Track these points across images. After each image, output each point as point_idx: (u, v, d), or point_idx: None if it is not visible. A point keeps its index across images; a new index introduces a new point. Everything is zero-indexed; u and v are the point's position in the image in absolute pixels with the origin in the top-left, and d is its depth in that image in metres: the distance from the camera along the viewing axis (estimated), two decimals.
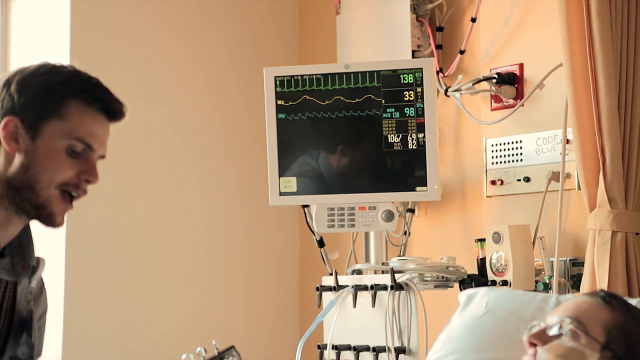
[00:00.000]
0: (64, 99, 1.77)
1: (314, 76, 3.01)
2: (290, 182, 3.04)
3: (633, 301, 1.97)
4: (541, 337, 1.85)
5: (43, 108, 1.76)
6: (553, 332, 1.85)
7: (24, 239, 1.84)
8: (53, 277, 3.18)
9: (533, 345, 1.86)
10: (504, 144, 2.94)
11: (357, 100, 2.98)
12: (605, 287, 2.36)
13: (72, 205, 1.78)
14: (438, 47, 3.23)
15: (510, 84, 2.93)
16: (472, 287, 2.65)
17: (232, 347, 2.17)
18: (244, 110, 3.71)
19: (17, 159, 1.75)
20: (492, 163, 2.97)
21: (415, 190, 2.95)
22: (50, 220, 1.76)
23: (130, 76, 3.40)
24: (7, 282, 1.82)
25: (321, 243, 3.17)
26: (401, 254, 3.19)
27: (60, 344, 3.26)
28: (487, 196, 2.99)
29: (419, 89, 2.91)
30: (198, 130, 3.63)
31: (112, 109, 1.82)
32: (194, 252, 3.60)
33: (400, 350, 2.79)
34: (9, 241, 1.80)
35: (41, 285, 1.93)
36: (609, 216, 2.42)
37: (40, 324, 1.92)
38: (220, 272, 3.66)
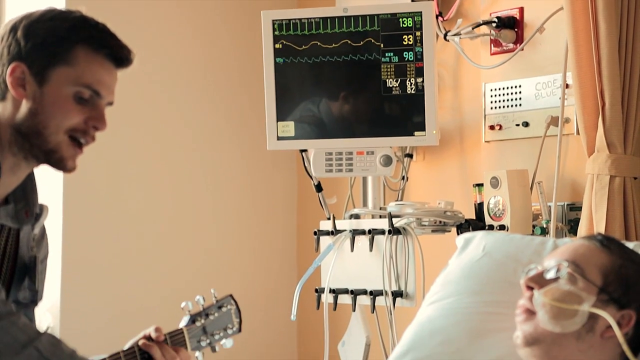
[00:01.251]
0: (71, 45, 1.76)
1: (313, 20, 2.98)
2: (288, 127, 3.03)
3: (630, 245, 1.98)
4: (538, 281, 1.86)
5: (50, 54, 1.75)
6: (550, 275, 1.86)
7: (28, 186, 1.85)
8: (51, 225, 3.18)
9: (530, 288, 1.87)
10: (503, 88, 2.93)
11: (355, 44, 2.96)
12: (602, 232, 2.36)
13: (82, 150, 1.78)
14: None
15: (510, 28, 2.90)
16: (469, 231, 2.66)
17: (230, 295, 2.19)
18: (242, 54, 3.69)
19: (25, 105, 1.74)
20: (491, 108, 2.96)
21: (414, 135, 2.94)
22: (62, 165, 1.77)
23: (123, 25, 3.37)
24: (10, 229, 1.82)
25: (319, 187, 3.17)
26: (399, 199, 3.19)
27: (59, 291, 3.27)
28: (485, 141, 2.99)
29: (418, 33, 2.88)
30: (195, 76, 3.61)
31: (119, 56, 1.81)
32: (191, 197, 3.60)
33: (397, 294, 2.81)
34: (14, 188, 1.80)
35: (43, 232, 1.94)
36: (608, 161, 2.42)
37: (41, 268, 1.93)
38: (219, 217, 3.67)
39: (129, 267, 3.43)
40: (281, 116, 3.03)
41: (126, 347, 1.98)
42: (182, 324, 2.11)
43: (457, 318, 2.05)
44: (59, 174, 3.15)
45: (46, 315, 3.21)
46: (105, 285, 3.37)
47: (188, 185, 3.59)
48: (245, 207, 3.73)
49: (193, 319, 2.12)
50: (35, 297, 1.89)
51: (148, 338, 2.00)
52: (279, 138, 3.04)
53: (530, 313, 1.85)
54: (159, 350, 1.98)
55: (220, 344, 2.17)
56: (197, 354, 2.12)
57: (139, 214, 3.48)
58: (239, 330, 2.20)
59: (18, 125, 1.74)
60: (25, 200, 1.83)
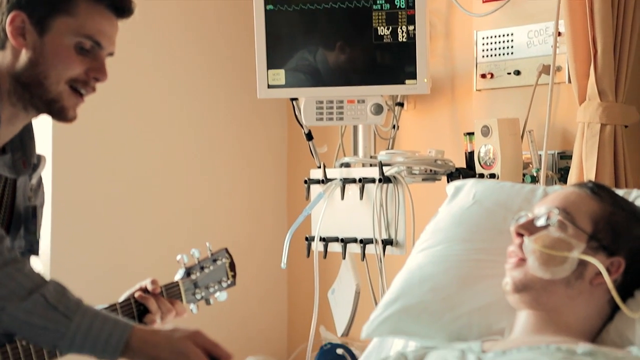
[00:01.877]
0: None
1: None
2: (279, 75, 3.02)
3: (620, 192, 1.98)
4: (528, 228, 1.86)
5: (51, 3, 1.73)
6: (540, 222, 1.86)
7: (26, 136, 1.84)
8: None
9: (520, 235, 1.87)
10: (495, 36, 2.91)
11: None
12: (592, 180, 2.36)
13: (83, 99, 1.77)
14: None
15: None
16: (460, 180, 2.65)
17: (225, 249, 2.19)
18: (232, 1, 3.65)
19: (25, 55, 1.73)
20: (483, 56, 2.95)
21: (405, 84, 2.93)
22: (63, 115, 1.75)
23: None
24: (7, 179, 1.81)
25: (309, 136, 3.17)
26: (389, 148, 3.19)
27: (49, 242, 3.27)
28: (476, 90, 2.98)
29: None
30: (185, 24, 3.57)
31: (120, 6, 1.80)
32: (182, 148, 3.59)
33: (387, 242, 2.81)
34: (11, 137, 1.79)
35: (39, 181, 1.93)
36: (599, 109, 2.42)
37: (38, 217, 1.93)
38: (209, 167, 3.66)
39: (120, 219, 3.43)
40: (272, 64, 3.01)
41: (121, 299, 1.99)
42: (178, 276, 2.12)
43: (446, 265, 2.06)
44: (48, 124, 3.16)
45: (37, 263, 3.21)
46: (97, 237, 3.37)
47: (178, 135, 3.58)
48: (236, 156, 3.72)
49: (188, 272, 2.13)
50: (32, 247, 1.89)
51: (144, 290, 2.01)
52: (269, 86, 3.03)
53: (520, 260, 1.85)
54: (155, 302, 1.99)
55: (214, 296, 2.18)
56: (192, 306, 2.13)
57: (130, 166, 3.46)
58: (234, 283, 2.21)
59: (18, 74, 1.73)
60: (22, 151, 1.83)
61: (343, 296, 3.06)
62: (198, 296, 2.13)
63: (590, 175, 2.39)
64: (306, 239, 3.02)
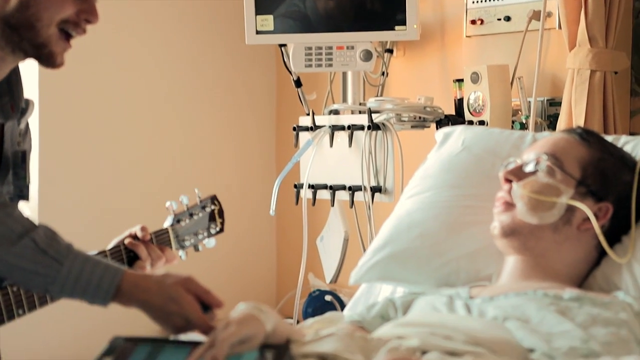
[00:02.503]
0: None
1: None
2: (267, 21, 2.99)
3: (609, 138, 1.98)
4: (517, 174, 1.86)
5: None
6: (529, 168, 1.86)
7: (13, 80, 1.81)
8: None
9: (509, 181, 1.87)
10: None
11: None
12: (581, 126, 2.36)
13: (70, 44, 1.74)
14: None
15: None
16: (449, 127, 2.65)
17: (214, 195, 2.18)
18: None
19: None
20: (473, 2, 2.92)
21: (394, 30, 2.91)
22: (51, 60, 1.72)
23: None
24: None
25: (298, 83, 3.15)
26: (378, 95, 3.17)
27: (37, 188, 3.26)
28: (466, 36, 2.96)
29: None
30: None
31: None
32: (170, 94, 3.57)
33: (376, 190, 2.81)
34: None
35: (27, 126, 1.91)
36: (589, 55, 2.40)
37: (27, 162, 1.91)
38: (197, 114, 3.64)
39: (109, 166, 3.42)
40: (260, 10, 2.98)
41: (111, 245, 1.99)
42: (167, 223, 2.12)
43: (435, 211, 2.06)
44: (35, 68, 3.13)
45: (24, 209, 3.20)
46: (85, 183, 3.36)
47: (166, 82, 3.56)
48: (224, 103, 3.70)
49: (178, 219, 2.13)
50: (22, 192, 1.88)
51: (133, 237, 2.00)
52: (257, 32, 3.00)
53: (509, 205, 1.86)
54: (144, 249, 1.98)
55: (203, 243, 2.18)
56: (181, 252, 2.14)
57: (119, 112, 3.44)
58: (222, 230, 2.21)
59: (8, 17, 1.70)
60: (10, 95, 1.80)
61: (332, 243, 3.07)
62: (187, 243, 2.13)
63: (579, 121, 2.38)
64: (295, 186, 3.02)
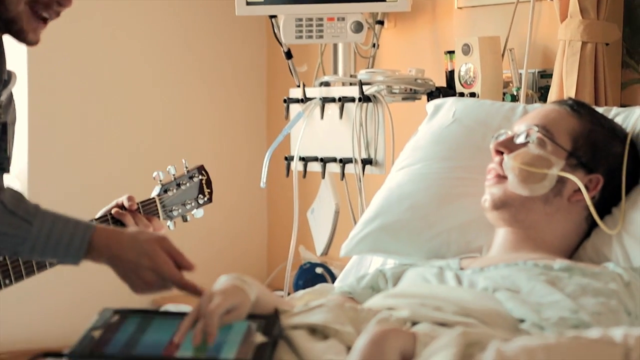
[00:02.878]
0: None
1: None
2: None
3: (599, 110, 1.97)
4: (508, 145, 1.86)
5: None
6: (520, 140, 1.86)
7: None
8: (16, 91, 3.14)
9: (500, 153, 1.87)
10: None
11: None
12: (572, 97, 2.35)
13: (46, 25, 1.72)
14: None
15: None
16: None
17: (201, 166, 2.18)
18: None
19: None
20: None
21: (385, 1, 2.89)
22: (22, 37, 1.70)
23: None
24: None
25: (289, 55, 3.13)
26: (369, 67, 3.16)
27: (26, 158, 3.25)
28: (458, 7, 2.94)
29: None
30: None
31: None
32: (160, 65, 3.55)
33: (366, 162, 2.81)
34: None
35: (10, 98, 1.90)
36: (580, 26, 2.39)
37: (10, 134, 1.90)
38: (187, 85, 3.63)
39: (97, 136, 3.41)
40: None
41: (98, 215, 1.98)
42: (154, 193, 2.11)
43: (426, 183, 2.05)
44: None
45: (14, 182, 3.19)
46: (73, 153, 3.35)
47: (156, 53, 3.54)
48: (214, 75, 3.68)
49: (165, 189, 2.12)
50: (2, 164, 1.87)
51: (121, 207, 2.00)
52: (247, 3, 2.98)
53: (500, 177, 1.85)
54: (132, 218, 1.98)
55: (191, 213, 2.18)
56: (169, 223, 2.13)
57: (108, 83, 3.43)
58: (210, 200, 2.20)
59: None
60: None
61: (322, 216, 3.07)
62: (175, 213, 2.13)
63: (570, 93, 2.37)
64: (285, 158, 3.01)
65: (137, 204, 2.02)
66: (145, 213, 2.04)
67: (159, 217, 2.08)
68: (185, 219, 2.17)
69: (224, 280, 1.51)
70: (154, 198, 2.09)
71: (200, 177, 2.18)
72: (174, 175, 2.15)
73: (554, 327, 1.51)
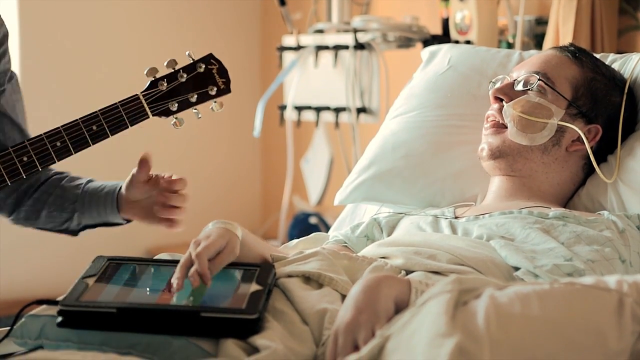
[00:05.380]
0: None
1: None
2: None
3: (597, 56, 1.95)
4: (507, 92, 1.83)
5: None
6: (520, 87, 1.83)
7: None
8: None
9: (498, 99, 1.85)
10: None
11: None
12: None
13: None
14: None
15: None
16: None
17: (209, 54, 1.94)
18: None
19: None
20: None
21: None
22: None
23: None
24: None
25: (282, 2, 3.09)
26: (364, 14, 3.13)
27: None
28: None
29: None
30: None
31: None
32: (152, 11, 3.52)
33: (361, 110, 2.79)
34: None
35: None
36: None
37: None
38: (179, 32, 3.60)
39: (91, 55, 3.38)
40: None
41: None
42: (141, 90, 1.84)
43: (420, 131, 2.04)
44: None
45: None
46: (67, 67, 3.33)
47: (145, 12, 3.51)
48: (206, 23, 3.65)
49: (155, 83, 1.83)
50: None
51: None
52: None
53: (499, 126, 1.83)
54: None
55: (205, 106, 1.88)
56: (173, 120, 1.84)
57: (99, 35, 3.40)
58: (227, 90, 1.90)
59: None
60: None
61: (317, 165, 3.06)
62: (173, 108, 1.83)
63: (566, 40, 2.35)
64: (279, 107, 2.99)
65: (116, 104, 1.81)
66: (126, 113, 1.80)
67: (146, 115, 1.82)
68: (198, 115, 1.89)
69: (210, 227, 1.51)
70: (136, 95, 1.82)
71: (208, 66, 1.89)
72: (174, 67, 1.86)
73: (548, 274, 1.51)
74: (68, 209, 1.89)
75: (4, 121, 1.87)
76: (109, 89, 3.44)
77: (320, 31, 2.98)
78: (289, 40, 2.98)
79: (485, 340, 1.19)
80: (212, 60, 1.90)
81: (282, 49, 2.98)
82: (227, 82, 1.91)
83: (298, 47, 2.91)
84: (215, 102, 1.89)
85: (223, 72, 1.91)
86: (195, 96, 1.86)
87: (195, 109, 1.87)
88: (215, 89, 1.89)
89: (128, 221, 1.91)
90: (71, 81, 3.36)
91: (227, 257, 1.47)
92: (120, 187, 1.86)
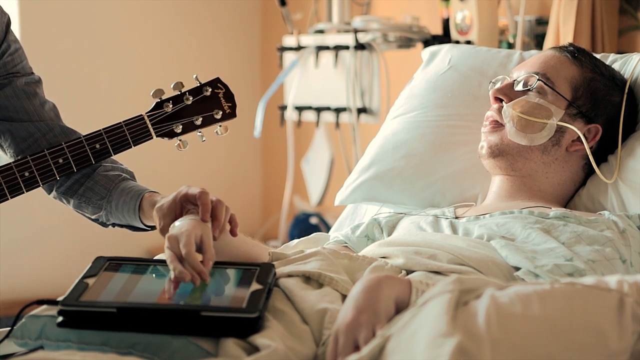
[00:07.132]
0: None
1: None
2: None
3: (597, 56, 1.95)
4: (507, 93, 1.83)
5: None
6: (519, 87, 1.84)
7: None
8: None
9: (498, 100, 1.85)
10: None
11: None
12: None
13: None
14: None
15: None
16: None
17: (217, 78, 1.93)
18: None
19: None
20: None
21: None
22: None
23: None
24: None
25: (283, 2, 3.10)
26: (365, 14, 3.13)
27: None
28: None
29: None
30: None
31: None
32: (153, 11, 3.52)
33: (361, 110, 2.79)
34: None
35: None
36: None
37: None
38: (180, 33, 3.60)
39: (91, 55, 3.38)
40: None
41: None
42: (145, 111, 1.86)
43: (421, 131, 2.04)
44: None
45: None
46: (67, 67, 3.33)
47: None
48: (207, 23, 3.65)
49: (161, 104, 1.85)
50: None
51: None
52: None
53: (498, 124, 1.83)
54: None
55: (207, 130, 1.89)
56: (177, 142, 1.86)
57: (101, 28, 3.40)
58: (232, 115, 1.90)
59: None
60: None
61: (317, 165, 3.06)
62: (177, 130, 1.85)
63: (567, 40, 2.35)
64: (280, 108, 2.99)
65: (120, 123, 1.82)
66: (130, 133, 1.82)
67: (150, 136, 1.84)
68: (202, 139, 1.89)
69: (176, 224, 1.52)
70: (141, 115, 1.83)
71: (214, 89, 1.89)
72: (180, 90, 1.87)
73: (548, 274, 1.51)
74: (96, 204, 1.83)
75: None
76: (109, 89, 3.44)
77: (321, 31, 2.98)
78: (289, 41, 2.98)
79: (485, 340, 1.19)
80: (219, 85, 1.90)
81: (283, 49, 2.98)
82: (233, 107, 1.91)
83: (298, 48, 2.91)
84: (220, 125, 1.89)
85: (229, 96, 1.91)
86: (200, 119, 1.87)
87: (199, 131, 1.88)
88: (221, 112, 1.89)
89: (153, 228, 1.80)
90: (71, 81, 3.36)
91: (209, 245, 1.47)
92: (143, 196, 1.77)
